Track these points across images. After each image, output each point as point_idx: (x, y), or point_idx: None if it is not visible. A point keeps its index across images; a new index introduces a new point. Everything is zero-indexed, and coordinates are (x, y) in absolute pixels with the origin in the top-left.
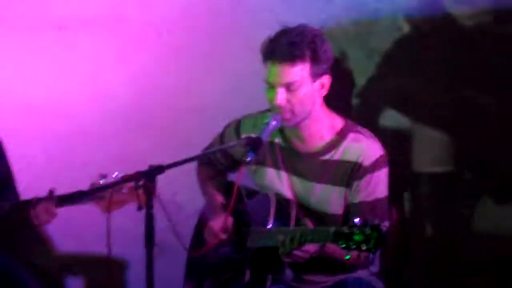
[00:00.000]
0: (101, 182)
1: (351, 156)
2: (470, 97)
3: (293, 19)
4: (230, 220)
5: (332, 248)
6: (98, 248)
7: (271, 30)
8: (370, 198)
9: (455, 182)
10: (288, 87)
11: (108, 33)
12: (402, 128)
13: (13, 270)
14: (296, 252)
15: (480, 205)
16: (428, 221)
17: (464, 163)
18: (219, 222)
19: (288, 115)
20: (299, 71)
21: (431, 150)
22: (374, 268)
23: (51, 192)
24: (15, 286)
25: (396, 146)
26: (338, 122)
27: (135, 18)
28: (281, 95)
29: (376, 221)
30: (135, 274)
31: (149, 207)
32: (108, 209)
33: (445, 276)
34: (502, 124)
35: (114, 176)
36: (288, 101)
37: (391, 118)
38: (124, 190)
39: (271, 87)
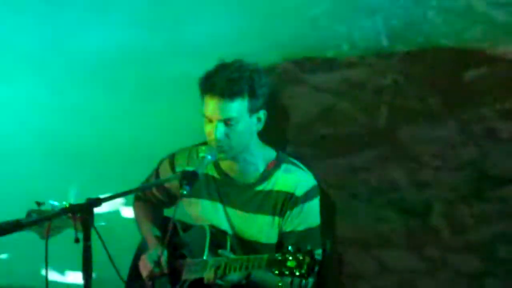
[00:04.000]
0: (40, 208)
1: (284, 187)
2: None
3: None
4: (163, 253)
5: (262, 276)
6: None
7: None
8: (302, 227)
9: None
10: (227, 122)
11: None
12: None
13: None
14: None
15: None
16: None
17: None
18: (153, 256)
19: (226, 149)
20: (238, 107)
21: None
22: None
23: None
24: None
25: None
26: (271, 153)
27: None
28: (220, 130)
29: (309, 247)
30: None
31: (86, 239)
32: (45, 235)
33: None
34: None
35: (51, 203)
36: (227, 135)
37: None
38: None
39: (209, 121)
